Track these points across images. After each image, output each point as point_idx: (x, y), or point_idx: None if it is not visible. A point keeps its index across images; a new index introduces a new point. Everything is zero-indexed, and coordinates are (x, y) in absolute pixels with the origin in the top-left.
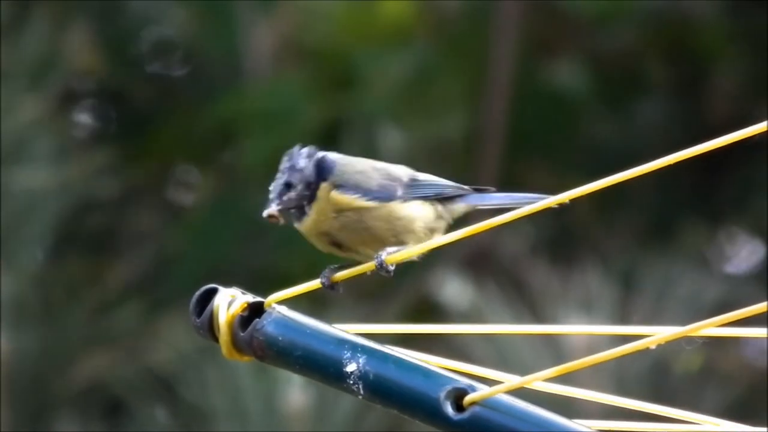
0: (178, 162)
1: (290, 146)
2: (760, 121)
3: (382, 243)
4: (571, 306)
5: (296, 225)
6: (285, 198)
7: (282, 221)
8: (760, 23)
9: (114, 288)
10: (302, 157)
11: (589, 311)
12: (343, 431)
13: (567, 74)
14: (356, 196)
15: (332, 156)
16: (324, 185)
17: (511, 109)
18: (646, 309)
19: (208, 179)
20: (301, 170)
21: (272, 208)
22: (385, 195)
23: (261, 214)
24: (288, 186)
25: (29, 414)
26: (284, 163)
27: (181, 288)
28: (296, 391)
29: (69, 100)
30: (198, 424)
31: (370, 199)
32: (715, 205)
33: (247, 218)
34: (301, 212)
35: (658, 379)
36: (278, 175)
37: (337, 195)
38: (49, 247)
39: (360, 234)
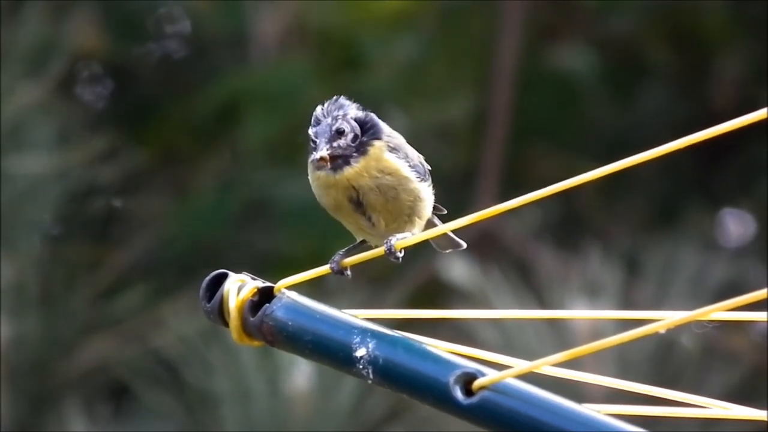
0: (181, 144)
1: (295, 127)
2: (764, 106)
3: (398, 216)
4: (575, 290)
5: (330, 174)
6: (335, 144)
7: (329, 167)
8: (765, 9)
9: (116, 272)
10: (352, 108)
11: (593, 295)
12: (346, 413)
13: (573, 59)
14: (404, 164)
15: (377, 118)
16: (378, 143)
17: (517, 94)
18: (651, 292)
19: (210, 161)
20: (350, 120)
21: (323, 152)
22: (420, 171)
23: (312, 159)
24: (339, 133)
25: (31, 400)
26: (331, 110)
27: (183, 271)
28: (300, 374)
29: (70, 83)
30: (202, 407)
31: (411, 171)
32: (718, 188)
33: (250, 200)
34: (343, 162)
35: (662, 360)
36: (322, 120)
37: (391, 158)
38: (50, 232)
39: (387, 199)
